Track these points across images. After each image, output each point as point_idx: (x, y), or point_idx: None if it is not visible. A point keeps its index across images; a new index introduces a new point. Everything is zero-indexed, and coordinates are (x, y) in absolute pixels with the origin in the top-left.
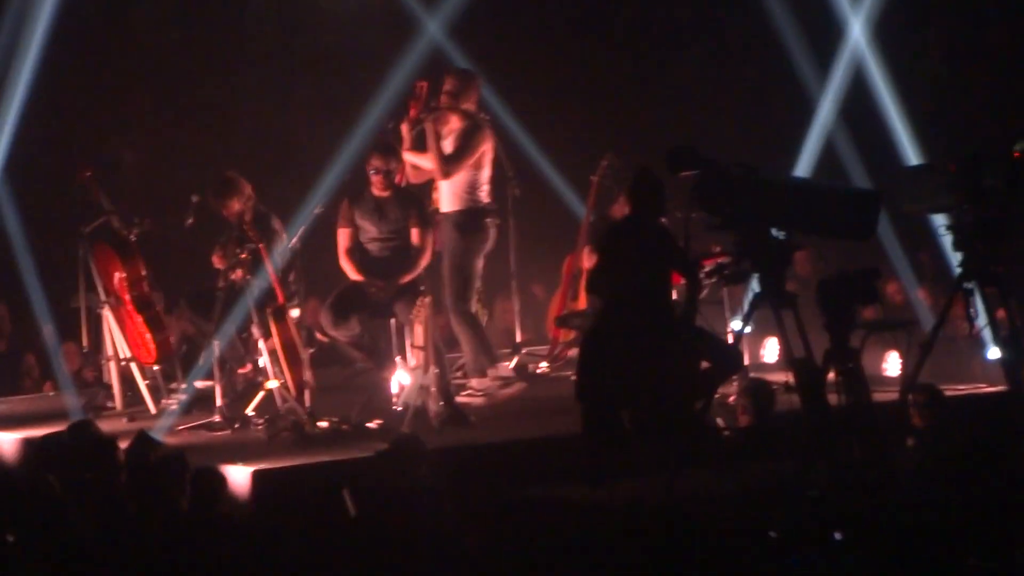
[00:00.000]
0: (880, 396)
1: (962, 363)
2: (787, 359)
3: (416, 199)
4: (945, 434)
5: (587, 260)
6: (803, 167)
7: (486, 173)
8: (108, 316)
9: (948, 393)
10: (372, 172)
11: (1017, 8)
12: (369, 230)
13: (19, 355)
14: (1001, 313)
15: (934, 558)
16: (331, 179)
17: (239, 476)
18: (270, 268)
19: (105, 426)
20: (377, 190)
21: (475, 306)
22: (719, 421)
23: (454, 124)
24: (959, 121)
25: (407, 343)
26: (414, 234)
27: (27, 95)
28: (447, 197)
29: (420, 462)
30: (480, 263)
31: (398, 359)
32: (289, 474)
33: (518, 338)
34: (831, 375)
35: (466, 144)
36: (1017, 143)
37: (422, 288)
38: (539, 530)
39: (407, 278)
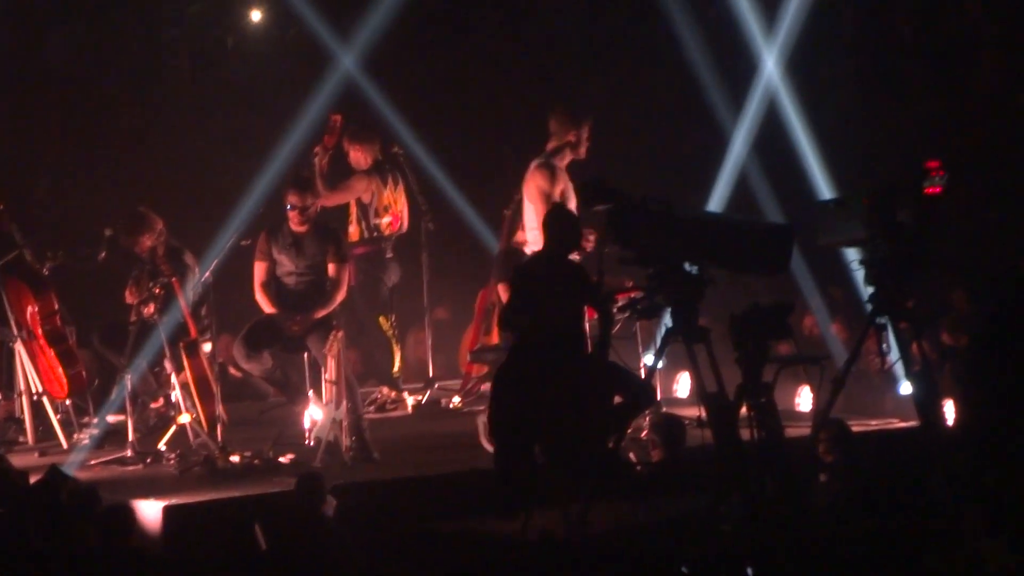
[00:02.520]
0: (793, 431)
1: (875, 398)
2: (699, 394)
3: (334, 235)
4: (855, 469)
5: (504, 294)
6: (716, 201)
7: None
8: (20, 350)
9: (859, 428)
10: (288, 208)
11: (927, 41)
12: (286, 264)
13: None
14: (914, 348)
15: None
16: (245, 212)
17: (150, 511)
18: (183, 302)
19: (16, 461)
20: (294, 225)
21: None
22: (631, 455)
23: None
24: (871, 155)
25: (322, 377)
26: (331, 269)
27: None
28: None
29: (323, 499)
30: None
31: (311, 393)
32: (200, 509)
33: (431, 372)
34: (743, 410)
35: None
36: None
37: (335, 323)
38: (451, 563)
39: (322, 313)
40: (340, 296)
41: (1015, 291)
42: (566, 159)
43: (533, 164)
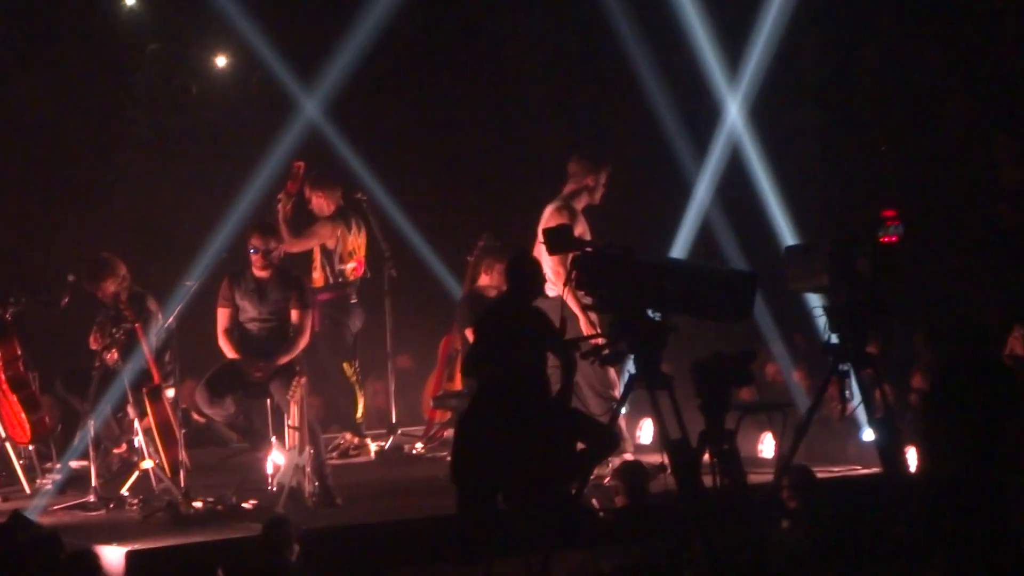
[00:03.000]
0: (755, 478)
1: (837, 445)
2: (662, 440)
3: (297, 281)
4: (818, 516)
5: (470, 338)
6: (679, 248)
7: None
8: None
9: (822, 475)
10: (251, 251)
11: (890, 90)
12: (248, 310)
13: None
14: (877, 395)
15: None
16: (208, 258)
17: (113, 557)
18: (146, 348)
19: None
20: (257, 269)
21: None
22: (594, 502)
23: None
24: (835, 202)
25: (285, 423)
26: (294, 315)
27: None
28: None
29: (289, 546)
30: None
31: (273, 439)
32: (163, 555)
33: (393, 418)
34: (706, 457)
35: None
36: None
37: (298, 368)
38: None
39: (285, 359)
40: (303, 342)
41: (972, 340)
42: (582, 202)
43: (551, 207)
